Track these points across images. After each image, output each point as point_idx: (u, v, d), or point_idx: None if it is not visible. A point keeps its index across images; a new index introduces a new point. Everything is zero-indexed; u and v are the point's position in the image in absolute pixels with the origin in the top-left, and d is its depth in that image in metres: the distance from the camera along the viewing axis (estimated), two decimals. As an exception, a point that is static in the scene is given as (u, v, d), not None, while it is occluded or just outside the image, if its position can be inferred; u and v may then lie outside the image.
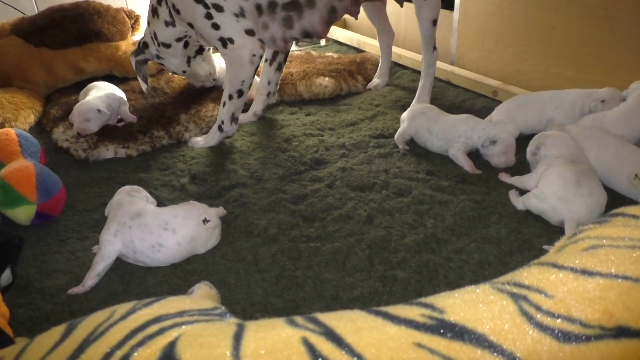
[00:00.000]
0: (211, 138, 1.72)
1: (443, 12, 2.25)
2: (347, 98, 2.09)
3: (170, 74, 2.29)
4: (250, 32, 1.54)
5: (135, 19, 2.44)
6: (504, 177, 1.41)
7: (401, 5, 1.90)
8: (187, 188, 1.47)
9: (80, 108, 1.73)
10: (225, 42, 1.54)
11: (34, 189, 1.28)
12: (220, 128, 1.70)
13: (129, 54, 2.26)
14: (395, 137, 1.67)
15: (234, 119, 1.68)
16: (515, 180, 1.37)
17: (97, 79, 2.13)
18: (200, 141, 1.73)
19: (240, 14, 1.51)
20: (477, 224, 1.24)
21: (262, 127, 1.86)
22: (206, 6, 1.49)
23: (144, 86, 1.85)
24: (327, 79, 2.11)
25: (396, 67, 2.36)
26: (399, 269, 1.10)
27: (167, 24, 1.66)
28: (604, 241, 0.48)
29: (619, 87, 1.61)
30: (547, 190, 1.21)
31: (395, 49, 2.42)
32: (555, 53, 1.80)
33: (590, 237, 0.50)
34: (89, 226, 1.33)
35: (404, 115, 1.69)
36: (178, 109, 1.89)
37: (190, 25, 1.59)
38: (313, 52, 2.57)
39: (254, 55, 1.56)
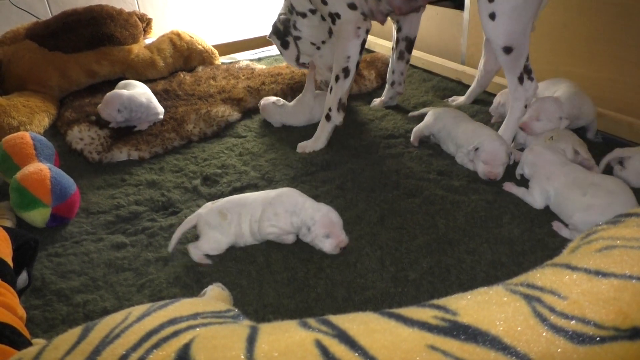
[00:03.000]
0: (320, 133, 1.69)
1: (453, 12, 2.25)
2: (357, 99, 2.09)
3: (182, 76, 2.30)
4: (352, 6, 1.54)
5: (147, 22, 2.46)
6: (508, 187, 1.36)
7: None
8: (199, 189, 1.48)
9: (107, 98, 1.80)
10: (334, 17, 1.57)
11: (48, 191, 1.30)
12: (328, 117, 1.67)
13: (141, 57, 2.28)
14: (414, 129, 1.67)
15: (341, 105, 1.65)
16: (520, 194, 1.32)
17: (110, 82, 2.15)
18: (309, 144, 1.69)
19: None
20: (489, 224, 1.23)
21: (273, 128, 1.86)
22: None
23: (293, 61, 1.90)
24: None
25: (407, 67, 2.35)
26: (410, 270, 1.10)
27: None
28: (618, 242, 0.48)
29: (633, 85, 1.60)
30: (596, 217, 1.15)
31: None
32: (566, 51, 1.78)
33: (604, 238, 0.50)
34: (103, 228, 1.34)
35: (434, 111, 1.66)
36: (189, 111, 1.91)
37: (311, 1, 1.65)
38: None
39: (358, 27, 1.56)
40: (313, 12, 1.74)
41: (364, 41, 1.60)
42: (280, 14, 1.82)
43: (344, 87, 1.63)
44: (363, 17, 1.56)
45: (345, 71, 1.61)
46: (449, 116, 1.60)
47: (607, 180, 1.19)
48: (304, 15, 1.76)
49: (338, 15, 1.55)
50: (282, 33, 1.81)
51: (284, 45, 1.84)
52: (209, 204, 1.23)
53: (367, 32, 1.60)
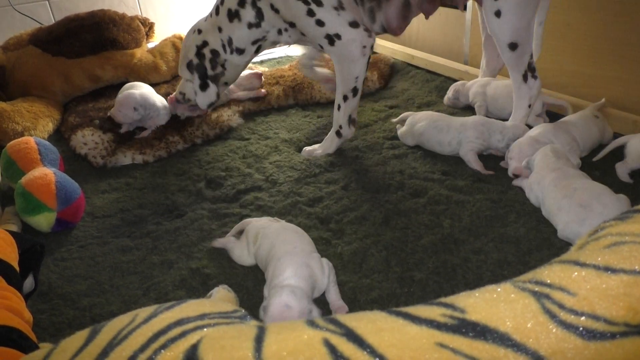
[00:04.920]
0: (329, 145, 1.65)
1: (455, 12, 2.25)
2: (360, 100, 2.08)
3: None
4: (354, 24, 1.47)
5: (150, 27, 2.47)
6: (517, 182, 1.37)
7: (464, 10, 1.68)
8: (203, 192, 1.48)
9: (120, 99, 1.82)
10: (332, 39, 1.48)
11: (53, 196, 1.30)
12: (338, 134, 1.63)
13: (143, 61, 2.29)
14: (400, 137, 1.69)
15: (351, 120, 1.61)
16: (523, 186, 1.34)
17: (113, 86, 2.16)
18: (317, 150, 1.66)
19: (340, 6, 1.46)
20: (494, 223, 1.23)
21: (276, 130, 1.86)
22: (306, 2, 1.45)
23: (211, 98, 1.66)
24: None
25: (409, 66, 2.35)
26: (416, 270, 1.10)
27: (250, 25, 1.58)
28: (627, 238, 0.48)
29: (637, 82, 1.59)
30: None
31: (407, 49, 2.42)
32: (570, 50, 1.78)
33: (613, 234, 0.50)
34: (108, 232, 1.34)
35: (410, 125, 1.63)
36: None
37: (292, 24, 1.54)
38: (325, 55, 2.57)
39: (364, 47, 1.49)
40: (257, 43, 1.62)
41: (369, 58, 1.54)
42: (206, 46, 1.62)
43: (353, 104, 1.59)
44: (368, 34, 1.50)
45: (354, 90, 1.56)
46: (431, 130, 1.58)
47: (586, 192, 1.14)
48: (241, 51, 1.62)
49: (338, 36, 1.48)
50: (204, 71, 1.62)
51: (203, 87, 1.64)
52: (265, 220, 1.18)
53: (372, 48, 1.53)
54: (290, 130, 1.86)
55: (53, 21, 2.42)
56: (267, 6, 1.53)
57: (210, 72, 1.62)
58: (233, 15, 1.57)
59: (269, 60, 2.69)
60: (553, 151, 1.31)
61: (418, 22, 2.46)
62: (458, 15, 2.23)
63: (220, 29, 1.60)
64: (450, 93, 1.90)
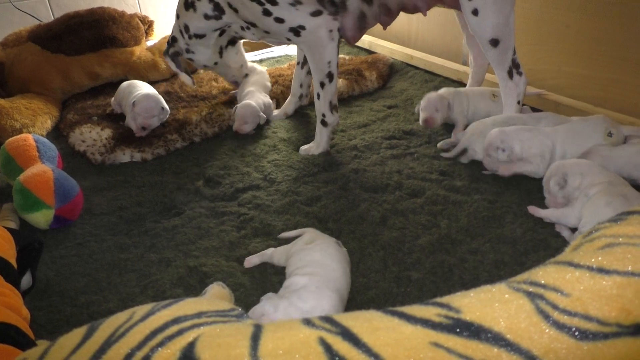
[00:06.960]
0: (320, 138, 1.65)
1: (453, 13, 2.25)
2: (359, 99, 2.09)
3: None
4: (316, 13, 1.47)
5: (149, 24, 2.47)
6: (534, 211, 1.24)
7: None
8: (202, 191, 1.48)
9: (147, 104, 1.77)
10: (297, 31, 1.49)
11: (52, 193, 1.30)
12: (324, 123, 1.63)
13: (143, 59, 2.29)
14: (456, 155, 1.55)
15: (333, 107, 1.61)
16: (551, 215, 1.20)
17: (112, 84, 2.16)
18: (312, 147, 1.67)
19: (297, 2, 1.45)
20: (491, 224, 1.23)
21: (275, 130, 1.87)
22: (260, 3, 1.45)
23: (187, 80, 1.86)
24: (339, 80, 2.11)
25: (407, 66, 2.36)
26: (413, 270, 1.10)
27: (207, 17, 1.62)
28: (621, 239, 0.48)
29: (635, 85, 1.60)
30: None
31: (406, 49, 2.43)
32: (569, 51, 1.78)
33: (607, 236, 0.50)
34: (106, 229, 1.34)
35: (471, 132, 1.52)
36: (191, 112, 1.91)
37: (253, 24, 1.56)
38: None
39: (330, 30, 1.49)
40: (218, 30, 1.71)
41: (339, 40, 1.56)
42: (170, 38, 1.81)
43: (331, 90, 1.59)
44: (332, 18, 1.50)
45: (330, 76, 1.57)
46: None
47: (630, 201, 1.08)
48: (201, 37, 1.73)
49: (302, 27, 1.48)
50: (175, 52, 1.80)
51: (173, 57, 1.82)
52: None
53: (339, 31, 1.54)
54: (288, 130, 1.86)
55: (52, 18, 2.42)
56: (225, 3, 1.57)
57: (171, 50, 1.80)
58: (188, 5, 1.65)
59: (268, 59, 2.69)
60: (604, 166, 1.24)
61: (417, 23, 2.47)
62: (457, 15, 2.23)
63: (177, 16, 1.72)
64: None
